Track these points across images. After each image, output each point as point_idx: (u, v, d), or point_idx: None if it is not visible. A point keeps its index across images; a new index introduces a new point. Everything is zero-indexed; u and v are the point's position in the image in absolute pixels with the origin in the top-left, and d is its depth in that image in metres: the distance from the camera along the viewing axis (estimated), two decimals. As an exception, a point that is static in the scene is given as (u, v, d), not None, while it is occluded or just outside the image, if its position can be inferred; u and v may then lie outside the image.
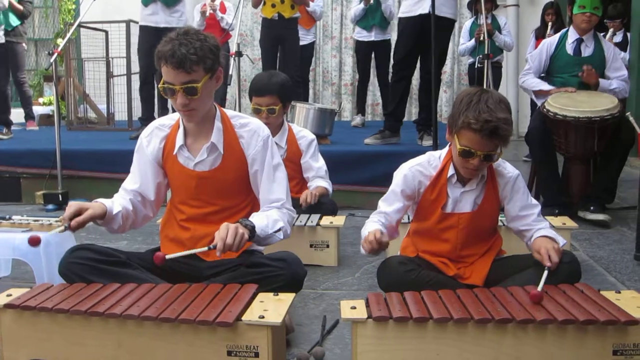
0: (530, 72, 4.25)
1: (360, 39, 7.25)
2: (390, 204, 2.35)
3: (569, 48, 4.18)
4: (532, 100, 6.91)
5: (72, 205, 2.10)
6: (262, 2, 5.84)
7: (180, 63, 2.06)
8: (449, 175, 2.28)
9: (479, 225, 2.30)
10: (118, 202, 2.25)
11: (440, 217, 2.28)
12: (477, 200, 2.28)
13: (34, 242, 2.03)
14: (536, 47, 6.90)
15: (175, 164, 2.30)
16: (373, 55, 7.29)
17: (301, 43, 6.74)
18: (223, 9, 7.32)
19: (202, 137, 2.28)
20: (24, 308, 1.93)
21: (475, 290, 1.99)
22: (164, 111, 7.49)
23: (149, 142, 2.33)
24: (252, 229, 2.09)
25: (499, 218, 2.54)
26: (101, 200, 2.21)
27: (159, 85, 2.15)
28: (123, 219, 2.25)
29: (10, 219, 2.82)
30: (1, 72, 6.29)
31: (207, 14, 7.12)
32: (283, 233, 2.24)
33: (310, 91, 9.51)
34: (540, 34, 7.18)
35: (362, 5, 6.90)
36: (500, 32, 7.06)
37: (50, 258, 2.65)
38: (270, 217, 2.21)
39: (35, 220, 2.80)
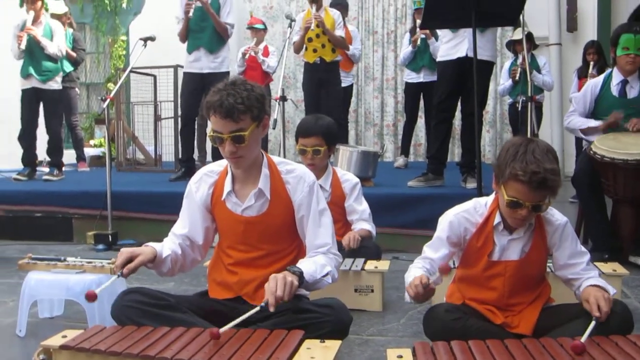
0: (574, 113, 4.22)
1: (409, 81, 7.31)
2: (435, 250, 2.33)
3: (614, 89, 4.14)
4: (577, 140, 6.87)
5: (124, 253, 2.15)
6: (304, 47, 5.96)
7: (228, 113, 2.11)
8: (495, 223, 2.26)
9: (527, 273, 2.26)
10: (167, 246, 2.31)
11: (486, 264, 2.26)
12: (525, 249, 2.25)
13: (91, 297, 2.07)
14: (579, 86, 6.88)
15: (224, 210, 2.34)
16: (421, 97, 7.33)
17: (342, 85, 6.85)
18: (266, 53, 7.50)
19: (250, 183, 2.32)
20: (79, 350, 1.97)
21: (523, 340, 1.95)
22: (201, 153, 7.68)
23: (198, 188, 2.39)
24: (300, 275, 2.10)
25: (547, 264, 2.50)
26: (151, 244, 2.27)
27: (209, 135, 2.21)
28: (172, 262, 2.30)
29: (64, 260, 2.88)
30: (56, 116, 6.49)
31: (247, 56, 7.30)
32: (331, 277, 2.25)
33: (352, 132, 9.59)
34: (582, 74, 7.14)
35: (410, 48, 6.97)
36: (539, 71, 7.04)
37: (102, 300, 2.70)
38: (318, 263, 2.22)
39: (88, 262, 2.86)
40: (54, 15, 7.04)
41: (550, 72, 7.40)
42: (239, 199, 2.33)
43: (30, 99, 6.26)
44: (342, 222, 3.52)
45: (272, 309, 1.99)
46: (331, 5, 6.98)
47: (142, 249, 2.20)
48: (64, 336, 2.08)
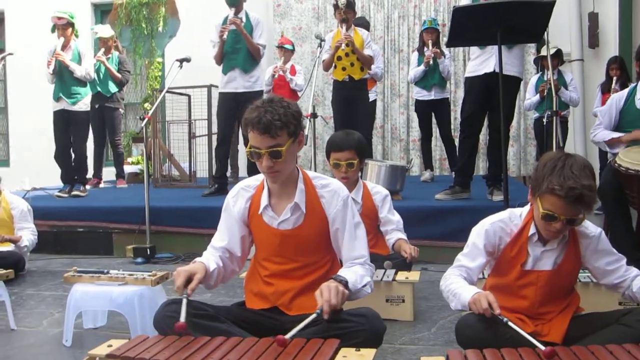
0: (600, 127, 4.16)
1: (420, 98, 7.33)
2: (472, 259, 2.31)
3: (638, 102, 4.08)
4: (600, 153, 6.77)
5: (181, 273, 2.15)
6: (333, 66, 6.00)
7: (265, 129, 2.14)
8: (530, 234, 2.24)
9: (558, 283, 2.24)
10: (212, 260, 2.32)
11: (519, 274, 2.24)
12: (557, 260, 2.23)
13: (181, 328, 2.08)
14: (603, 101, 6.80)
15: (260, 223, 2.36)
16: (433, 113, 7.34)
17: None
18: (293, 71, 7.56)
19: (286, 198, 2.34)
20: (124, 358, 1.99)
21: (555, 348, 1.93)
22: (233, 169, 7.73)
23: (235, 202, 2.41)
24: (345, 284, 2.12)
25: (584, 275, 2.47)
26: (198, 260, 2.28)
27: (246, 150, 2.24)
28: (217, 275, 2.32)
29: (107, 273, 2.93)
30: (82, 137, 6.58)
31: (276, 75, 7.37)
32: (370, 287, 2.26)
33: (379, 147, 9.58)
34: (605, 89, 7.07)
35: (422, 67, 7.00)
36: (566, 88, 6.98)
37: (144, 310, 2.75)
38: (358, 273, 2.24)
39: (130, 275, 2.90)
40: (101, 39, 7.22)
41: (577, 89, 7.34)
42: (275, 212, 2.35)
43: (61, 121, 6.41)
44: (373, 234, 3.52)
45: (326, 317, 2.01)
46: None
47: (195, 267, 2.21)
48: (110, 345, 2.10)
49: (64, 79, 6.27)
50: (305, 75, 7.93)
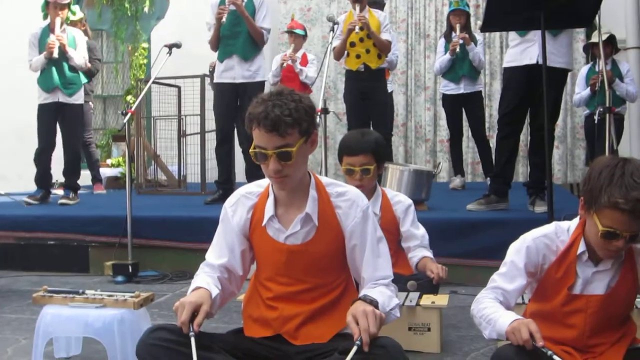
0: None
1: (447, 92, 7.35)
2: (510, 281, 2.29)
3: None
4: (662, 157, 6.75)
5: (186, 306, 2.10)
6: (346, 54, 6.00)
7: (274, 126, 2.11)
8: (579, 252, 2.21)
9: (612, 310, 2.22)
10: (212, 284, 2.27)
11: (566, 298, 2.22)
12: (611, 283, 2.21)
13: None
14: (665, 95, 6.78)
15: (264, 237, 2.34)
16: (464, 110, 7.34)
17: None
18: (305, 61, 7.54)
19: (295, 207, 2.32)
20: (101, 394, 2.02)
21: (609, 387, 1.93)
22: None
23: (235, 211, 2.39)
24: (376, 305, 2.09)
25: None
26: (198, 284, 2.24)
27: (250, 150, 2.21)
28: (219, 302, 2.29)
29: (83, 293, 2.93)
30: (77, 134, 6.66)
31: (285, 64, 7.37)
32: (398, 310, 2.25)
33: (401, 148, 9.60)
34: (669, 80, 7.04)
35: (448, 56, 7.00)
36: (622, 79, 6.96)
37: (125, 338, 2.76)
38: (385, 294, 2.22)
39: (109, 296, 2.90)
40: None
41: (634, 81, 7.30)
42: (283, 224, 2.32)
43: (49, 115, 6.41)
44: (393, 250, 3.48)
45: (366, 348, 1.97)
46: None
47: (199, 297, 2.16)
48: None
49: (60, 66, 6.29)
50: (318, 65, 7.93)
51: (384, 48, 5.98)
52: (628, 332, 2.29)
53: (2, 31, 8.66)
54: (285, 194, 2.32)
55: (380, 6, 7.16)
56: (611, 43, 6.86)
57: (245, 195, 2.40)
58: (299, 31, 7.67)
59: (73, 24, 7.25)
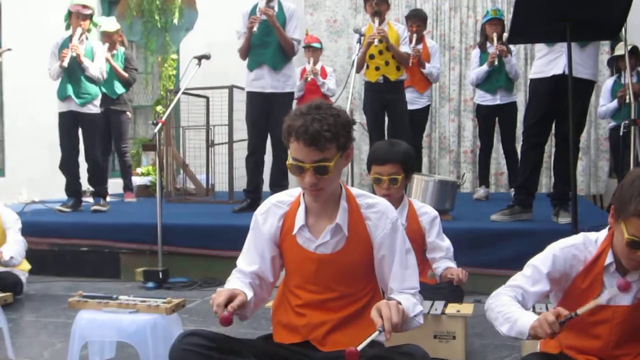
0: None
1: (483, 103, 7.27)
2: (533, 283, 2.28)
3: None
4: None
5: (223, 293, 2.12)
6: (366, 66, 6.00)
7: (313, 140, 2.10)
8: (606, 263, 2.21)
9: (638, 321, 2.22)
10: (246, 288, 2.27)
11: (592, 309, 2.23)
12: (638, 294, 2.21)
13: (227, 322, 2.06)
14: (692, 108, 6.69)
15: (294, 246, 2.35)
16: (497, 120, 7.29)
17: (414, 107, 6.91)
18: (323, 74, 7.60)
19: (326, 218, 2.32)
20: (136, 397, 2.05)
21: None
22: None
23: (266, 220, 2.40)
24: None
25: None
26: (233, 286, 2.26)
27: (288, 163, 2.22)
28: (253, 305, 2.29)
29: (117, 298, 2.97)
30: (95, 142, 6.68)
31: (309, 79, 7.42)
32: (422, 318, 2.25)
33: (425, 159, 9.56)
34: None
35: (485, 67, 6.95)
36: (646, 93, 6.89)
37: (157, 342, 2.79)
38: (410, 300, 2.23)
39: (142, 301, 2.94)
40: (105, 33, 7.36)
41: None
42: (313, 234, 2.33)
43: (68, 124, 6.47)
44: (419, 260, 3.50)
45: (388, 336, 1.98)
46: (408, 17, 7.03)
47: (235, 289, 2.17)
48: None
49: (74, 76, 6.34)
50: (340, 75, 7.97)
51: (402, 60, 5.99)
52: (654, 344, 2.28)
53: (36, 42, 8.78)
54: (317, 205, 2.32)
55: (422, 19, 7.12)
56: (636, 55, 6.80)
57: (277, 204, 2.41)
58: (316, 44, 7.76)
59: (109, 35, 7.36)
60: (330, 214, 2.32)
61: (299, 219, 2.34)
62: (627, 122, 5.80)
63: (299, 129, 2.11)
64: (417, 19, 6.92)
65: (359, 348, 1.92)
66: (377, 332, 1.99)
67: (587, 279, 2.24)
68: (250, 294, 2.25)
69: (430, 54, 7.23)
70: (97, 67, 6.45)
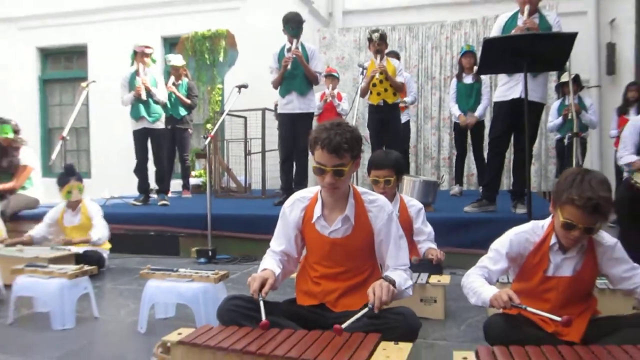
0: (624, 151, 4.06)
1: (458, 121, 7.19)
2: (494, 263, 2.30)
3: (655, 124, 4.00)
4: (616, 170, 6.60)
5: (256, 279, 2.16)
6: (369, 92, 6.01)
7: (335, 149, 2.14)
8: (551, 243, 2.21)
9: (577, 288, 2.21)
10: (275, 265, 2.32)
11: (541, 279, 2.22)
12: (577, 267, 2.20)
13: (265, 326, 2.13)
14: (619, 123, 6.66)
15: (313, 231, 2.37)
16: (469, 133, 7.24)
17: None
18: (339, 97, 7.62)
19: (337, 210, 2.34)
20: (192, 345, 2.06)
21: (575, 347, 1.91)
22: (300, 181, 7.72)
23: (291, 211, 2.42)
24: (393, 283, 2.13)
25: (601, 281, 2.43)
26: (265, 266, 2.29)
27: (313, 166, 2.24)
28: (281, 278, 2.34)
29: (177, 271, 3.01)
30: (162, 151, 6.75)
31: (328, 100, 7.44)
32: (411, 290, 2.27)
33: (413, 164, 9.55)
34: (621, 111, 6.92)
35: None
36: (586, 111, 6.85)
37: (208, 304, 2.82)
38: (402, 276, 2.24)
39: (196, 273, 2.97)
40: (173, 67, 7.41)
41: (596, 112, 7.17)
42: (327, 222, 2.35)
43: (142, 138, 6.55)
44: (408, 241, 3.50)
45: (376, 311, 2.02)
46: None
47: (265, 274, 2.22)
48: (179, 333, 2.17)
49: (146, 101, 6.42)
50: (349, 101, 7.97)
51: (398, 88, 5.97)
52: (590, 306, 2.27)
53: (113, 75, 8.85)
54: (331, 199, 2.34)
55: (397, 55, 7.15)
56: (576, 82, 6.76)
57: (300, 199, 2.43)
58: (335, 74, 7.77)
59: (176, 68, 7.40)
60: (341, 207, 2.34)
61: (317, 210, 2.36)
62: (570, 134, 5.77)
63: (324, 140, 2.15)
64: (392, 56, 6.83)
65: (344, 326, 1.97)
66: (366, 309, 2.04)
67: (537, 256, 2.24)
68: (278, 271, 2.29)
69: (406, 84, 7.17)
70: (161, 93, 6.53)
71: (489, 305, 2.13)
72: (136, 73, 6.45)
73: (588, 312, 2.24)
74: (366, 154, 6.62)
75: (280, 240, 2.42)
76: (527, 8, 4.44)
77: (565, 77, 6.78)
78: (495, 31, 4.70)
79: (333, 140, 2.14)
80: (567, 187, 2.07)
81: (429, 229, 3.54)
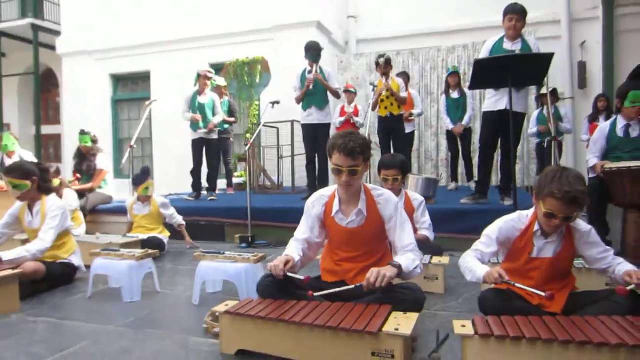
0: (595, 154, 3.97)
1: (450, 129, 7.11)
2: (487, 247, 2.26)
3: (620, 131, 3.88)
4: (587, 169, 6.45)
5: (281, 260, 2.18)
6: (378, 106, 5.96)
7: (349, 153, 2.15)
8: (535, 229, 2.17)
9: (558, 267, 2.16)
10: (296, 252, 2.33)
11: (527, 260, 2.17)
12: (557, 249, 2.15)
13: (307, 280, 2.17)
14: (590, 129, 6.49)
15: (333, 223, 2.37)
16: (459, 139, 7.14)
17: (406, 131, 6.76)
18: (356, 111, 7.55)
19: (352, 204, 2.34)
20: (236, 314, 2.07)
21: (557, 317, 1.86)
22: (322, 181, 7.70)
23: (314, 206, 2.42)
24: (399, 267, 2.11)
25: (578, 262, 2.36)
26: (288, 253, 2.31)
27: (332, 167, 2.24)
28: (300, 264, 2.34)
29: (223, 253, 3.01)
30: (214, 156, 6.77)
31: (347, 117, 7.36)
32: (420, 268, 2.23)
33: (416, 165, 9.44)
34: (592, 119, 6.76)
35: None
36: (561, 120, 6.69)
37: (249, 281, 2.82)
38: (410, 258, 2.21)
39: (239, 255, 2.97)
40: (217, 86, 7.43)
41: (571, 121, 7.01)
42: (344, 215, 2.34)
43: (199, 146, 6.56)
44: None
45: (365, 290, 2.02)
46: (397, 76, 6.94)
47: (286, 258, 2.23)
48: (226, 305, 2.18)
49: (204, 116, 6.43)
50: (363, 114, 7.90)
51: (401, 101, 5.88)
52: (569, 282, 2.22)
53: (172, 95, 8.93)
54: (346, 196, 2.34)
55: (407, 75, 7.06)
56: (554, 94, 6.61)
57: (321, 196, 2.43)
58: (352, 90, 7.67)
59: (219, 88, 7.42)
60: (355, 202, 2.33)
61: (335, 206, 2.35)
62: (549, 139, 5.65)
63: (341, 146, 2.16)
64: (403, 76, 6.75)
65: (316, 295, 2.09)
66: (352, 286, 2.07)
67: (523, 240, 2.20)
68: (297, 257, 2.29)
69: (414, 101, 7.12)
70: (220, 116, 6.56)
71: (482, 281, 2.10)
72: (198, 92, 6.45)
73: (568, 287, 2.19)
74: (376, 157, 6.61)
75: (304, 230, 2.43)
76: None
77: (544, 90, 6.64)
78: (483, 53, 4.61)
79: (348, 145, 2.15)
80: (548, 182, 2.03)
81: (425, 218, 3.50)
